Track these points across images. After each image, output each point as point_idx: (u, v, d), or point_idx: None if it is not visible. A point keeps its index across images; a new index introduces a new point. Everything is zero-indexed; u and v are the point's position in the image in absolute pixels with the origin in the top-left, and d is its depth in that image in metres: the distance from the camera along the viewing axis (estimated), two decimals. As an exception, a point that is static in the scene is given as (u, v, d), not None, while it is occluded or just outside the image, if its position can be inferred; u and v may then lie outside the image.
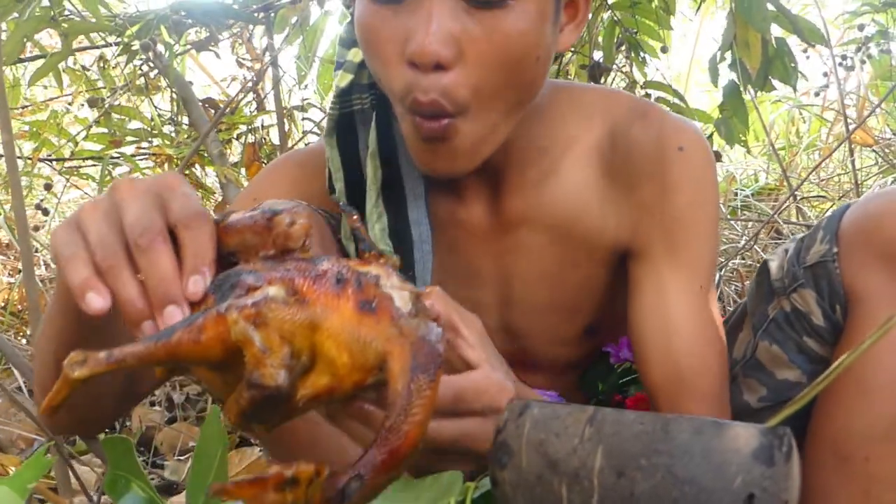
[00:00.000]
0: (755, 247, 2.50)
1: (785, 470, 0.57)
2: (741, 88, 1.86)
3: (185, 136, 2.26)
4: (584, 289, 1.09)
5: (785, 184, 2.87)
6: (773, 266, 1.06)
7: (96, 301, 0.62)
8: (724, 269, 2.34)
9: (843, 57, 2.96)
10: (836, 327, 0.99)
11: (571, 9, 0.96)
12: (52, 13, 1.54)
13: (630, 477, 0.60)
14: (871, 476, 0.92)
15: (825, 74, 3.27)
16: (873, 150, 3.15)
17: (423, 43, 0.83)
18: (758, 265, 2.57)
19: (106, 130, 2.11)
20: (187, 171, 2.36)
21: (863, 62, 3.10)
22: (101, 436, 1.01)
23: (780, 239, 2.53)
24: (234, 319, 0.57)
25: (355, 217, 0.70)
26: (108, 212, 0.65)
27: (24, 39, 1.55)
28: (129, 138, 2.39)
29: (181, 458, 1.70)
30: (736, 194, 3.18)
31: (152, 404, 1.93)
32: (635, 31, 2.13)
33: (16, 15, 1.62)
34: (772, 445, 0.58)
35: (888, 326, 0.53)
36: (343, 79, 1.02)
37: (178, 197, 0.65)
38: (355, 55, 1.01)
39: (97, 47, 2.13)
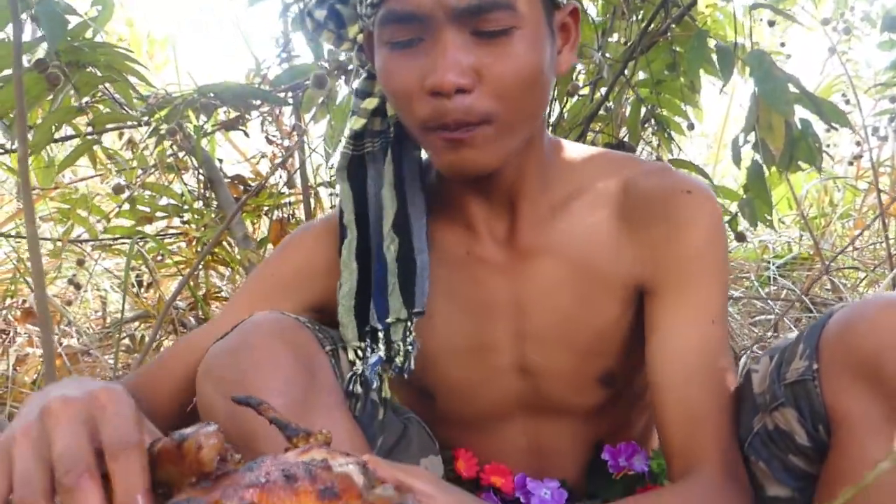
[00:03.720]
0: (784, 319, 2.47)
1: None
2: (764, 169, 1.84)
3: (213, 214, 2.29)
4: (599, 330, 1.13)
5: (818, 254, 2.84)
6: (756, 379, 1.05)
7: None
8: (755, 346, 2.30)
9: (875, 129, 2.93)
10: (821, 446, 0.95)
11: (564, 32, 1.06)
12: (80, 102, 1.57)
13: None
14: None
15: (858, 143, 3.24)
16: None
17: (441, 75, 0.92)
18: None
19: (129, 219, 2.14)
20: (216, 248, 2.39)
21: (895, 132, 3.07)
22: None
23: (810, 314, 2.49)
24: None
25: (265, 406, 0.69)
26: (36, 441, 0.63)
27: (53, 129, 1.59)
28: (159, 214, 2.44)
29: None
30: (769, 264, 3.14)
31: None
32: (660, 108, 2.13)
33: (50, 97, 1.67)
34: None
35: (863, 484, 0.51)
36: (357, 122, 1.13)
37: (111, 420, 0.63)
38: (369, 103, 1.12)
39: (125, 127, 2.17)
